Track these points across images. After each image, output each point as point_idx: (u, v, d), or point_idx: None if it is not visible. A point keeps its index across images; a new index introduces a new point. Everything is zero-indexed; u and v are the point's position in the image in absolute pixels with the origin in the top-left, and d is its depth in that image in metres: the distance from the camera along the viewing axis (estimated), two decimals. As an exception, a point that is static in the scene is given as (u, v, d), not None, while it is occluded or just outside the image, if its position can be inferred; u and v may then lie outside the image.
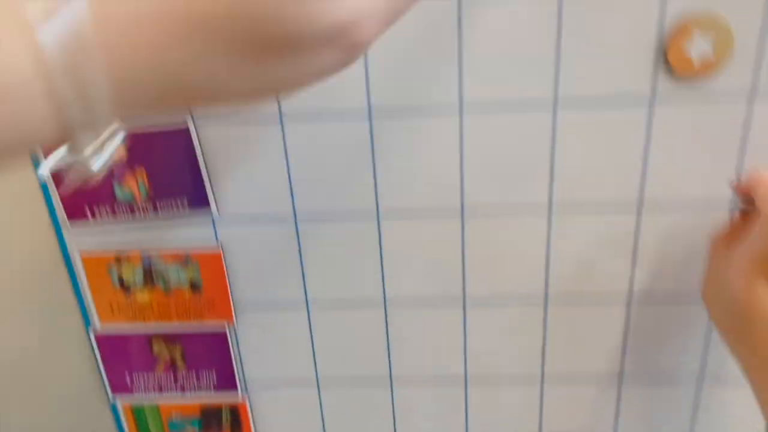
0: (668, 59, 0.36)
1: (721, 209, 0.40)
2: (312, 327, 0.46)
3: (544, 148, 0.39)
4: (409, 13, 0.23)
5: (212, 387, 0.49)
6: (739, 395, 0.43)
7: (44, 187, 0.43)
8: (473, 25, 0.36)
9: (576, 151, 0.39)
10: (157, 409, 0.51)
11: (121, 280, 0.46)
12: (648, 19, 0.36)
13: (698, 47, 0.36)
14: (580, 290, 0.43)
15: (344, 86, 0.38)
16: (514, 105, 0.38)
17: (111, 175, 0.42)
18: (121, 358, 0.49)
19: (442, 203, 0.41)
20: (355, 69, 0.38)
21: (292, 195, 0.42)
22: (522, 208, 0.41)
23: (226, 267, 0.45)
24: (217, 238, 0.44)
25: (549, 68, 0.37)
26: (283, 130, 0.40)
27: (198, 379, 0.49)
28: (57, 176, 0.42)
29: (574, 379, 0.46)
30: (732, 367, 0.38)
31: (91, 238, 0.44)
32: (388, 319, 0.46)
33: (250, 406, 0.50)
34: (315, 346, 0.47)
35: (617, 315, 0.44)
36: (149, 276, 0.45)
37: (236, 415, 0.50)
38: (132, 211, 0.43)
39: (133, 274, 0.45)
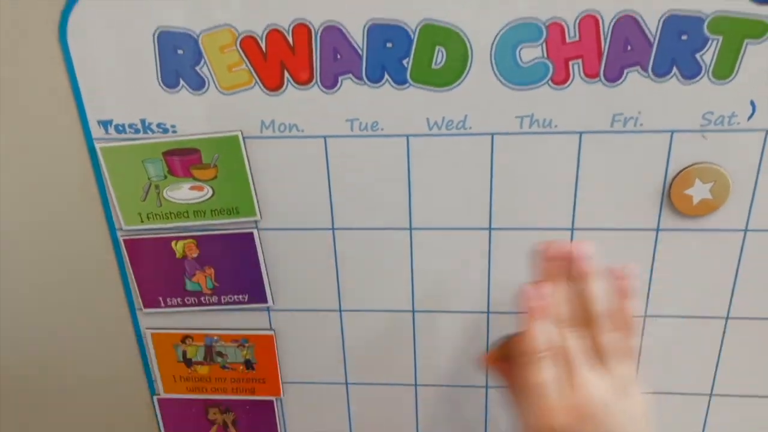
0: (671, 199, 0.42)
1: (717, 319, 0.45)
2: (350, 401, 0.52)
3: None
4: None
5: (258, 449, 0.55)
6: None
7: (123, 275, 0.49)
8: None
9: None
10: (208, 465, 0.57)
11: (185, 356, 0.52)
12: (658, 165, 0.41)
13: (699, 192, 0.41)
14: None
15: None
16: (539, 233, 0.44)
17: (183, 270, 0.48)
18: (180, 422, 0.55)
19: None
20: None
21: (339, 292, 0.48)
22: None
23: (277, 349, 0.51)
24: (270, 325, 0.50)
25: (569, 204, 0.43)
26: (333, 236, 0.46)
27: (246, 442, 0.55)
28: (134, 263, 0.48)
29: None
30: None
31: (161, 319, 0.51)
32: (418, 395, 0.51)
33: (291, 467, 0.56)
34: (351, 418, 0.53)
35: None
36: (209, 354, 0.52)
37: (278, 474, 0.56)
38: (199, 301, 0.49)
39: (196, 352, 0.52)
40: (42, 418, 0.56)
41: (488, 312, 0.48)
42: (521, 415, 0.37)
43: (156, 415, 0.55)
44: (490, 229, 0.45)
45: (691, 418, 0.49)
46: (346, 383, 0.52)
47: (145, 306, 0.50)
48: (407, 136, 0.42)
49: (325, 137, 0.43)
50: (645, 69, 0.39)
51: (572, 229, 0.44)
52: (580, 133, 0.41)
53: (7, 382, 0.55)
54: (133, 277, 0.49)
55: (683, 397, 0.49)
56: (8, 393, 0.55)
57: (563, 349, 0.35)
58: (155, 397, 0.54)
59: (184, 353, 0.52)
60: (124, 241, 0.47)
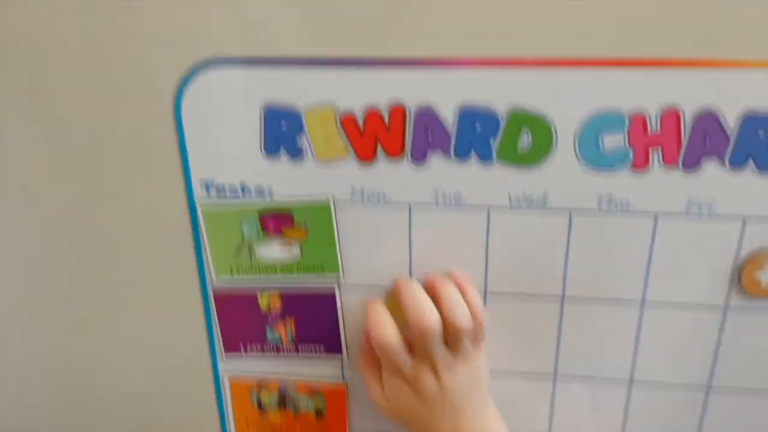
0: (741, 281, 0.44)
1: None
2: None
3: (629, 338, 0.47)
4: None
5: (322, 495, 0.57)
6: None
7: (208, 320, 0.52)
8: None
9: (657, 342, 0.47)
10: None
11: (259, 402, 0.55)
12: (728, 248, 0.43)
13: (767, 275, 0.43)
14: None
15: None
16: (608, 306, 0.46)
17: (265, 321, 0.51)
18: (248, 463, 0.57)
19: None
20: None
21: (411, 350, 0.51)
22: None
23: (348, 401, 0.53)
24: (343, 377, 0.53)
25: (640, 278, 0.45)
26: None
27: (310, 487, 0.57)
28: (221, 312, 0.52)
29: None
30: None
31: (239, 365, 0.54)
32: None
33: None
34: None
35: None
36: (283, 401, 0.54)
37: None
38: (278, 350, 0.52)
39: (270, 398, 0.54)
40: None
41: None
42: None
43: (226, 456, 0.57)
44: (562, 298, 0.47)
45: None
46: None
47: (227, 351, 0.53)
48: (488, 208, 0.45)
49: (410, 205, 0.46)
50: (722, 159, 0.41)
51: (643, 302, 0.46)
52: (656, 214, 0.43)
53: (89, 416, 0.58)
54: (218, 325, 0.52)
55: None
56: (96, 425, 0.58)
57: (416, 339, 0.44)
58: (227, 439, 0.57)
59: (259, 399, 0.54)
60: (214, 292, 0.51)
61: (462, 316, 0.43)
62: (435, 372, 0.45)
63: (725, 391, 0.48)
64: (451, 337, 0.44)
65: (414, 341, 0.45)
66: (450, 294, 0.44)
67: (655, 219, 0.43)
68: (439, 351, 0.44)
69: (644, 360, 0.48)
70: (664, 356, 0.47)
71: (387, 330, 0.45)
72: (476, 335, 0.45)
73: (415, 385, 0.45)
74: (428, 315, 0.43)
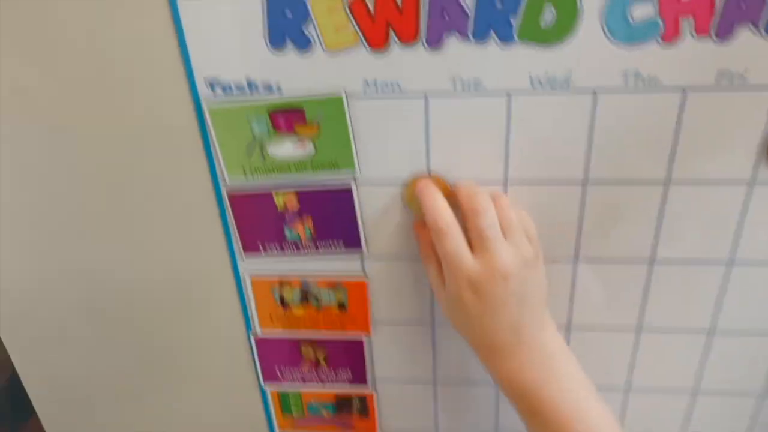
0: (769, 154, 0.43)
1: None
2: (434, 343, 0.56)
3: (652, 216, 0.47)
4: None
5: (347, 381, 0.60)
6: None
7: (225, 225, 0.52)
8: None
9: (683, 220, 0.47)
10: (299, 395, 0.62)
11: (281, 298, 0.55)
12: (759, 121, 0.42)
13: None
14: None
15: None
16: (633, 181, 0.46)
17: (283, 220, 0.51)
18: (274, 356, 0.59)
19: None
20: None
21: (430, 241, 0.51)
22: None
23: (369, 292, 0.54)
24: (363, 271, 0.53)
25: (665, 155, 0.44)
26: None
27: (336, 375, 0.60)
28: (237, 213, 0.51)
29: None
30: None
31: (260, 264, 0.54)
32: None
33: (377, 397, 0.60)
34: (435, 357, 0.57)
35: None
36: (305, 296, 0.55)
37: (364, 403, 0.61)
38: (297, 248, 0.52)
39: (292, 295, 0.55)
40: (153, 353, 0.61)
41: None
42: (438, 287, 0.47)
43: (252, 352, 0.59)
44: (585, 182, 0.46)
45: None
46: (433, 326, 0.55)
47: (246, 252, 0.53)
48: (508, 93, 0.43)
49: (425, 94, 0.44)
50: (756, 25, 0.39)
51: (668, 181, 0.45)
52: (684, 89, 0.42)
53: (119, 318, 0.59)
54: (234, 226, 0.52)
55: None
56: (118, 327, 0.59)
57: (472, 223, 0.43)
58: (252, 336, 0.58)
59: (281, 296, 0.55)
60: (228, 193, 0.50)
61: (503, 196, 0.46)
62: (493, 264, 0.43)
63: (749, 263, 0.48)
64: (505, 228, 0.44)
65: (469, 229, 0.44)
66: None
67: (684, 93, 0.42)
68: (498, 243, 0.43)
69: (668, 237, 0.48)
70: (691, 234, 0.47)
71: (444, 213, 0.44)
72: (530, 236, 0.45)
73: (472, 280, 0.43)
74: (484, 196, 0.44)
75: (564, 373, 0.45)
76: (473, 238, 0.44)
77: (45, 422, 0.66)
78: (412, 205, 0.48)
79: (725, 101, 0.42)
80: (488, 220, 0.43)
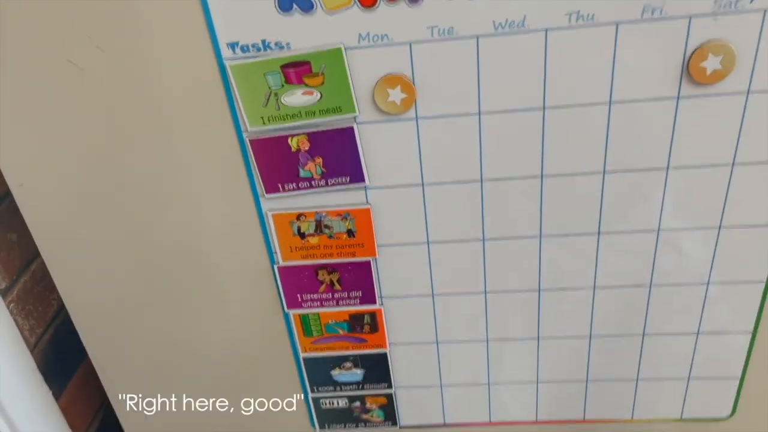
0: (690, 71, 0.53)
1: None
2: (431, 260, 0.66)
3: (601, 135, 0.57)
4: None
5: (358, 301, 0.70)
6: None
7: (248, 169, 0.62)
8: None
9: (623, 134, 0.57)
10: (318, 317, 0.72)
11: (299, 230, 0.65)
12: (678, 45, 0.52)
13: (711, 64, 0.53)
14: None
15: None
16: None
17: (297, 161, 0.61)
18: (295, 283, 0.69)
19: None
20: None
21: (421, 170, 0.61)
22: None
23: (374, 219, 0.64)
24: (367, 200, 0.63)
25: (606, 76, 0.54)
26: (417, 125, 0.58)
27: (349, 296, 0.70)
28: (258, 157, 0.61)
29: None
30: None
31: (279, 202, 0.64)
32: (486, 248, 0.65)
33: (385, 313, 0.71)
34: (433, 272, 0.67)
35: None
36: (319, 227, 0.65)
37: (374, 318, 0.71)
38: (310, 185, 0.62)
39: (308, 227, 0.65)
40: (191, 284, 0.70)
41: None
42: None
43: (276, 280, 0.69)
44: (543, 108, 0.56)
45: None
46: (428, 245, 0.65)
47: (267, 192, 0.63)
48: (477, 37, 0.53)
49: (410, 44, 0.54)
50: (669, -33, 0.49)
51: (609, 103, 0.56)
52: (617, 23, 0.52)
53: (152, 259, 0.69)
54: (256, 169, 0.61)
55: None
56: (159, 261, 0.69)
57: None
58: (275, 266, 0.68)
59: (299, 228, 0.65)
60: (249, 140, 0.59)
61: None
62: None
63: (681, 167, 0.59)
64: None
65: None
66: None
67: (616, 27, 0.52)
68: None
69: (613, 150, 0.58)
70: (630, 145, 0.58)
71: None
72: None
73: None
74: None
75: None
76: None
77: (87, 343, 0.76)
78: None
79: (649, 29, 0.52)
80: None
